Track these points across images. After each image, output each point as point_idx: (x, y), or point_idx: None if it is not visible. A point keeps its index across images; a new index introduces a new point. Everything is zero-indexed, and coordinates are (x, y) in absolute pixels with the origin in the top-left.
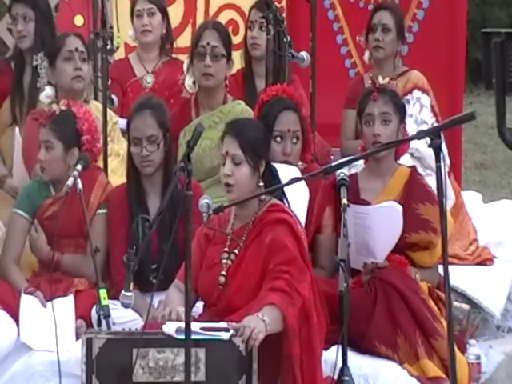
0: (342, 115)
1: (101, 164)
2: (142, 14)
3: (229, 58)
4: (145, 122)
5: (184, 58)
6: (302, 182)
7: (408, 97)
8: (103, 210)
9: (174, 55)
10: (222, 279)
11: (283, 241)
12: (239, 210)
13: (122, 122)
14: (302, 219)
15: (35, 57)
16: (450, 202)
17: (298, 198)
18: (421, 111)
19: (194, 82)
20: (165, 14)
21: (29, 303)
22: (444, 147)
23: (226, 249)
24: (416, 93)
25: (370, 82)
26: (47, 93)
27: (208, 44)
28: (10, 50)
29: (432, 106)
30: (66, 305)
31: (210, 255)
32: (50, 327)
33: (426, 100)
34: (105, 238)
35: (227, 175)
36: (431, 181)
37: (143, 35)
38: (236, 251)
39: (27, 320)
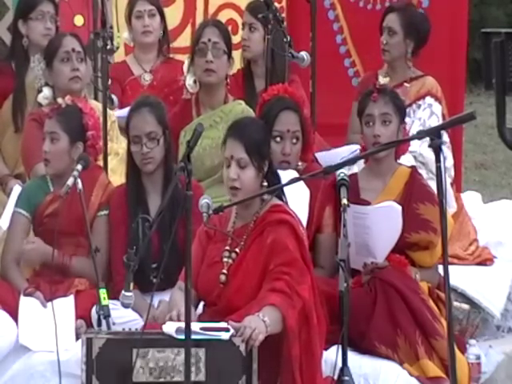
0: (351, 108)
1: (101, 163)
2: (143, 16)
3: (229, 55)
4: (143, 119)
5: (183, 58)
6: (302, 183)
7: (420, 101)
8: (104, 212)
9: (172, 55)
10: (222, 277)
11: (284, 242)
12: (241, 209)
13: (120, 113)
14: (304, 220)
15: (32, 58)
16: (451, 210)
17: (298, 199)
18: (430, 117)
19: (194, 82)
20: (162, 16)
21: (28, 305)
22: (450, 158)
23: (227, 247)
24: (429, 99)
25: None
26: (45, 94)
27: (209, 40)
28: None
29: (443, 115)
30: (66, 305)
31: (210, 253)
32: (50, 327)
33: (438, 108)
34: (106, 240)
35: (233, 179)
36: (434, 185)
37: (144, 36)
38: (237, 250)
39: (26, 322)
